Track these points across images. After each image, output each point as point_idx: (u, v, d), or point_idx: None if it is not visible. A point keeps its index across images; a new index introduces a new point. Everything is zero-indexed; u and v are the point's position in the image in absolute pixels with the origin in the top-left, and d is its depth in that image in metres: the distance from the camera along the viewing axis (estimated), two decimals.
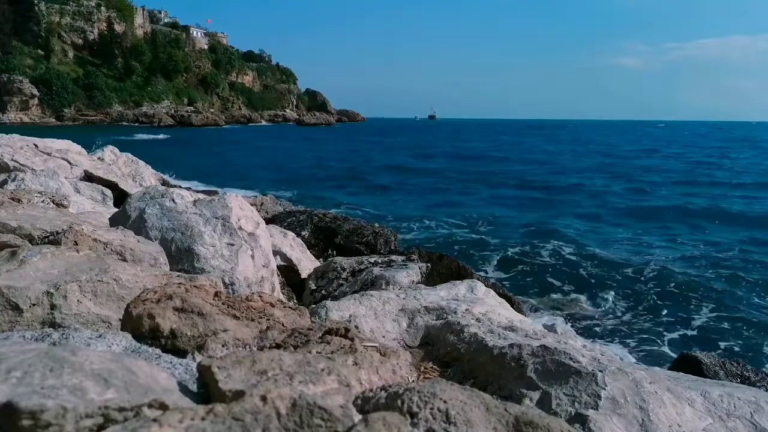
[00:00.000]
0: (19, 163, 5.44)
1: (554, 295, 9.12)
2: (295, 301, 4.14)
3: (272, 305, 1.75)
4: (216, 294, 1.69)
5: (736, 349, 7.29)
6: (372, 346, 1.49)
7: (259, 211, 4.21)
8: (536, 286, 9.66)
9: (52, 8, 79.37)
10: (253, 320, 1.62)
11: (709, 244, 13.21)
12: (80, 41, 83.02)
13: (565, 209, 18.03)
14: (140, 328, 1.47)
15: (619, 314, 8.37)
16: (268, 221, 5.82)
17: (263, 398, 0.92)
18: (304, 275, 4.62)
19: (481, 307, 2.84)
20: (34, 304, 1.65)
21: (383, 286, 3.78)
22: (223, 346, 1.46)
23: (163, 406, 0.89)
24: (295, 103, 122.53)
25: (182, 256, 2.95)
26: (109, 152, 7.86)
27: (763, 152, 48.71)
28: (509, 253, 11.84)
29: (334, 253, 6.14)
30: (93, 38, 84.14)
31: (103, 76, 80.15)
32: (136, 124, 74.56)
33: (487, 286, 3.59)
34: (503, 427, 1.04)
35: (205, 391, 1.07)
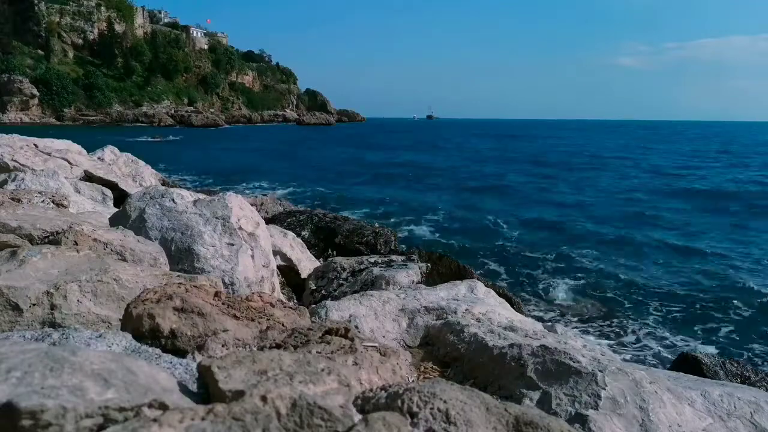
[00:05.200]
0: (19, 163, 5.45)
1: (554, 295, 9.12)
2: (295, 301, 4.14)
3: (272, 305, 1.75)
4: (216, 294, 1.69)
5: (736, 349, 7.30)
6: (372, 346, 1.49)
7: (259, 211, 4.21)
8: (536, 285, 9.66)
9: (52, 8, 79.39)
10: (253, 320, 1.62)
11: (708, 243, 13.21)
12: (80, 41, 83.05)
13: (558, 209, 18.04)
14: (140, 328, 1.47)
15: (620, 314, 8.37)
16: (268, 221, 5.82)
17: (263, 398, 0.92)
18: (304, 275, 4.62)
19: (481, 307, 2.84)
20: (34, 304, 1.65)
21: (383, 286, 3.78)
22: (223, 346, 1.46)
23: (163, 406, 0.89)
24: (295, 103, 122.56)
25: (182, 256, 2.95)
26: (109, 152, 7.86)
27: None
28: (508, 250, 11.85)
29: (334, 253, 6.14)
30: (93, 38, 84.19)
31: (103, 76, 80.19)
32: (137, 124, 74.61)
33: (486, 286, 3.59)
34: (503, 427, 1.04)
35: (205, 391, 1.07)
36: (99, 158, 7.40)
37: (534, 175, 28.14)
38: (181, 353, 1.44)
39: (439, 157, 39.10)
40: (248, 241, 3.18)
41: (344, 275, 4.24)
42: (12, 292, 1.64)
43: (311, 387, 1.04)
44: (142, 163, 8.39)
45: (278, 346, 1.46)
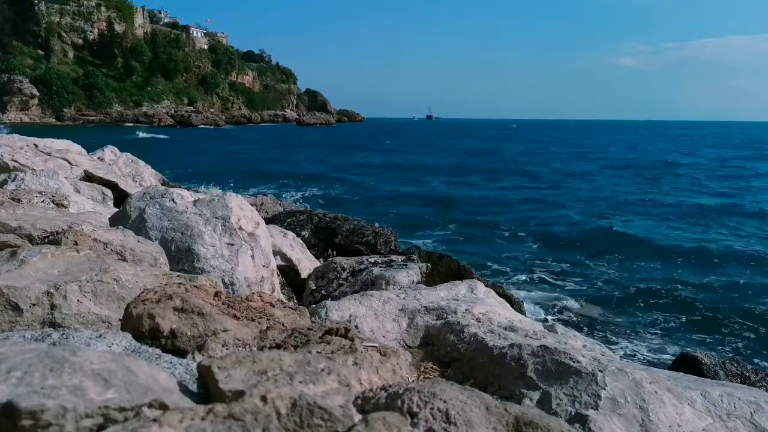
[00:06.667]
0: (19, 163, 5.44)
1: (554, 295, 9.13)
2: (295, 301, 4.14)
3: (272, 305, 1.75)
4: (216, 294, 1.69)
5: (736, 349, 7.30)
6: (372, 346, 1.49)
7: (259, 211, 4.21)
8: (537, 285, 9.66)
9: (52, 8, 79.41)
10: (253, 320, 1.62)
11: (709, 242, 13.21)
12: (80, 41, 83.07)
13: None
14: (140, 328, 1.47)
15: (620, 314, 8.37)
16: (268, 221, 5.82)
17: (263, 398, 0.92)
18: (304, 275, 4.62)
19: (481, 307, 2.84)
20: (34, 304, 1.65)
21: (383, 286, 3.78)
22: (223, 346, 1.46)
23: (163, 406, 0.89)
24: (295, 103, 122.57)
25: (182, 256, 2.95)
26: (109, 152, 7.86)
27: None
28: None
29: (334, 253, 6.14)
30: (93, 38, 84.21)
31: (103, 76, 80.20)
32: (136, 124, 74.54)
33: (486, 286, 3.59)
34: (503, 427, 1.04)
35: (205, 391, 1.07)
36: (99, 158, 7.40)
37: (534, 176, 28.13)
38: (181, 353, 1.44)
39: (439, 158, 39.09)
40: (248, 241, 3.18)
41: (344, 275, 4.24)
42: (12, 292, 1.64)
43: (311, 387, 1.04)
44: (142, 163, 8.38)
45: (278, 346, 1.46)
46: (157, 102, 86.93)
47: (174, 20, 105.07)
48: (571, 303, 8.77)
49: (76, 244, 2.14)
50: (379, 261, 4.48)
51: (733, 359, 4.56)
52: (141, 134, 51.70)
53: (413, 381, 1.42)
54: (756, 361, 6.83)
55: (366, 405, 1.08)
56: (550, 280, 10.02)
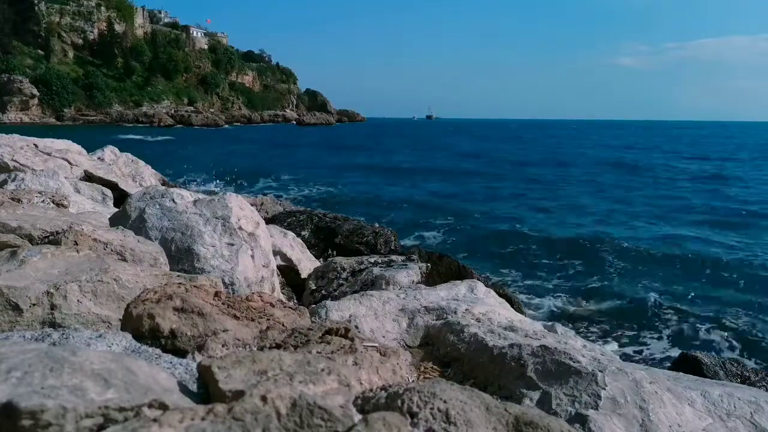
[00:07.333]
0: (19, 163, 5.44)
1: (554, 295, 9.12)
2: (295, 301, 4.14)
3: (272, 305, 1.75)
4: (216, 294, 1.69)
5: (736, 349, 7.30)
6: (372, 346, 1.49)
7: (259, 211, 4.21)
8: (537, 285, 9.66)
9: (52, 8, 79.47)
10: (253, 320, 1.62)
11: (709, 242, 13.21)
12: (80, 41, 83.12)
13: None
14: (140, 328, 1.47)
15: (620, 314, 8.37)
16: (268, 221, 5.82)
17: (263, 398, 0.92)
18: (304, 275, 4.62)
19: (481, 307, 2.84)
20: (34, 304, 1.65)
21: (383, 286, 3.78)
22: (223, 346, 1.46)
23: (163, 406, 0.89)
24: (295, 103, 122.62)
25: (182, 256, 2.95)
26: (109, 152, 7.86)
27: None
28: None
29: (334, 253, 6.14)
30: (93, 38, 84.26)
31: (103, 76, 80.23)
32: (138, 125, 74.45)
33: (487, 286, 3.59)
34: (503, 427, 1.04)
35: (205, 391, 1.07)
36: (99, 158, 7.40)
37: (534, 176, 28.11)
38: (181, 353, 1.44)
39: (439, 158, 39.07)
40: (248, 241, 3.18)
41: (344, 275, 4.24)
42: (12, 292, 1.64)
43: (311, 387, 1.04)
44: (142, 163, 8.38)
45: (278, 346, 1.46)
46: (157, 102, 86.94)
47: (174, 20, 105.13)
48: (572, 303, 8.77)
49: (76, 244, 2.14)
50: (379, 261, 4.48)
51: (733, 359, 4.56)
52: (131, 136, 48.89)
53: (413, 381, 1.42)
54: (756, 361, 6.83)
55: (366, 405, 1.08)
56: (551, 280, 10.02)
